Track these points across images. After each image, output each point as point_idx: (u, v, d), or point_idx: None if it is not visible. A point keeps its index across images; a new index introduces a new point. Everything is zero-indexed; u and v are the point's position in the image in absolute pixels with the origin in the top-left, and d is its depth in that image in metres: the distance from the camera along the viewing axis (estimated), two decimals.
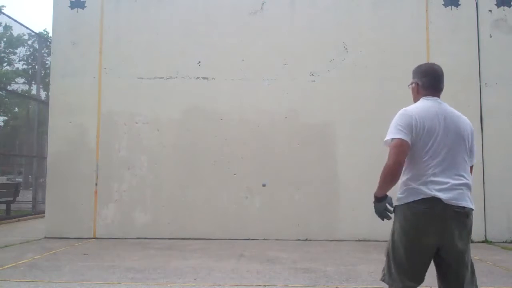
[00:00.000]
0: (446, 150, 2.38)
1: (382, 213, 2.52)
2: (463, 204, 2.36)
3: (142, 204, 7.87)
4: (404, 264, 2.38)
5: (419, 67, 2.62)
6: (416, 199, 2.33)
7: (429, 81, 2.54)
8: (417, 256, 2.36)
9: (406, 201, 2.36)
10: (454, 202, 2.31)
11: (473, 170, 2.57)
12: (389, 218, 2.50)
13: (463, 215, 2.39)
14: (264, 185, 2.23)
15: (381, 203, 2.50)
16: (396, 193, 2.50)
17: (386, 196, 2.50)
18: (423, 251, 2.35)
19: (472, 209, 2.46)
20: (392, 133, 2.43)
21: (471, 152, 2.51)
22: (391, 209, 2.49)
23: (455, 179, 2.36)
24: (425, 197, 2.30)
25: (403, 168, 2.41)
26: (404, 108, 2.55)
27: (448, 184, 2.32)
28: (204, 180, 7.84)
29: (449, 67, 7.84)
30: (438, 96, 2.55)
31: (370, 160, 7.78)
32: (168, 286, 4.54)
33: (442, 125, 2.40)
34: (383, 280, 2.51)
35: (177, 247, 6.94)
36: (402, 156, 2.37)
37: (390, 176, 2.40)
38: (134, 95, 8.00)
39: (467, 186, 2.43)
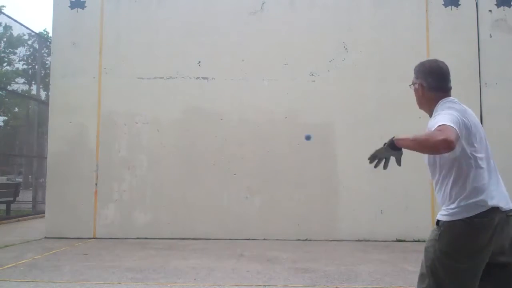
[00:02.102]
0: (489, 154, 2.20)
1: (382, 159, 2.27)
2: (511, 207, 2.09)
3: (142, 204, 7.87)
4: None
5: (422, 65, 2.31)
6: (478, 211, 1.98)
7: (435, 81, 2.23)
8: (476, 273, 2.02)
9: (465, 216, 1.99)
10: (506, 207, 2.05)
11: None
12: (383, 168, 2.30)
13: None
14: (308, 138, 2.07)
15: (392, 151, 2.25)
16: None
17: (401, 149, 2.25)
18: (482, 265, 2.02)
19: None
20: (443, 120, 2.00)
21: None
22: (387, 164, 2.28)
23: (499, 184, 2.14)
24: (485, 209, 1.99)
25: (451, 180, 2.10)
26: (450, 109, 2.15)
27: (498, 190, 2.09)
28: (204, 180, 7.84)
29: (449, 67, 7.92)
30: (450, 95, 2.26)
31: None
32: (168, 286, 4.54)
33: (480, 127, 2.18)
34: None
35: (177, 247, 6.94)
36: (456, 140, 1.92)
37: (429, 147, 2.05)
38: (134, 95, 8.00)
39: (503, 188, 2.17)
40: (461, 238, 1.99)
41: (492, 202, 2.00)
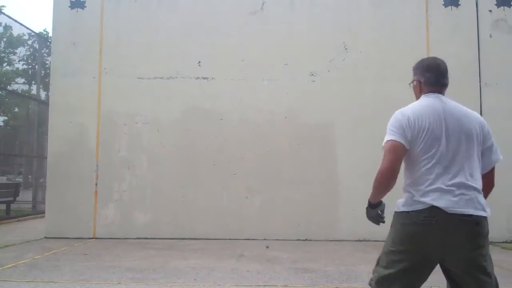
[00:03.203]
0: (450, 152, 2.12)
1: (374, 219, 2.38)
2: (469, 211, 2.05)
3: (142, 204, 7.87)
4: (396, 275, 2.14)
5: (421, 62, 2.38)
6: (416, 209, 2.09)
7: (432, 77, 2.32)
8: (412, 268, 2.12)
9: (405, 210, 2.13)
10: (458, 211, 2.03)
11: (494, 170, 2.37)
12: (382, 222, 2.38)
13: (471, 223, 2.06)
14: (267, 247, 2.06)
15: (373, 209, 2.33)
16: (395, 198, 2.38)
17: (381, 202, 2.30)
18: (420, 263, 2.11)
19: (483, 216, 2.11)
20: (386, 135, 2.22)
21: (486, 151, 2.26)
22: (384, 216, 2.34)
23: (459, 185, 2.08)
24: (424, 207, 2.06)
25: (405, 172, 2.22)
26: (400, 109, 2.32)
27: (451, 190, 2.06)
28: (204, 180, 7.84)
29: (449, 67, 7.90)
30: (442, 93, 2.34)
31: (370, 160, 7.77)
32: (168, 286, 4.54)
33: (443, 124, 2.15)
34: (370, 285, 2.29)
35: (177, 247, 6.94)
36: (395, 160, 2.15)
37: (382, 182, 2.17)
38: (134, 95, 8.00)
39: (476, 190, 2.12)
40: (399, 229, 2.16)
41: (433, 202, 2.04)
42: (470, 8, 8.03)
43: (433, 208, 2.04)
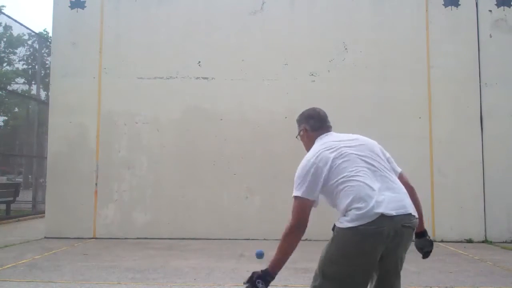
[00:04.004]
0: (367, 165, 2.20)
1: None
2: (408, 211, 2.12)
3: (142, 204, 7.87)
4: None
5: (301, 114, 2.61)
6: (363, 222, 2.07)
7: (316, 122, 2.51)
8: (362, 277, 2.16)
9: (353, 225, 2.10)
10: (400, 212, 2.08)
11: (407, 177, 2.38)
12: None
13: (410, 227, 2.16)
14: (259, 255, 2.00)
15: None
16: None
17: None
18: (367, 273, 2.17)
19: (415, 216, 2.20)
20: (294, 189, 2.29)
21: (390, 163, 2.33)
22: None
23: (390, 190, 2.13)
24: (373, 219, 2.05)
25: (337, 201, 2.24)
26: (305, 157, 2.35)
27: (388, 197, 2.10)
28: (204, 180, 7.84)
29: (449, 67, 7.96)
30: (330, 131, 2.49)
31: None
32: (168, 286, 4.54)
33: (348, 143, 2.33)
34: None
35: (177, 247, 6.94)
36: (303, 217, 2.32)
37: (294, 241, 2.34)
38: (134, 95, 8.00)
39: (404, 193, 2.18)
40: (347, 244, 2.13)
41: (377, 210, 2.05)
42: (470, 8, 8.03)
43: (380, 217, 2.06)
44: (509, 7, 8.02)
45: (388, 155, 2.36)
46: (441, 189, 7.69)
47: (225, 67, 7.99)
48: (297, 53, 8.00)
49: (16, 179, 20.67)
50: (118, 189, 7.89)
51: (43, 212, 8.49)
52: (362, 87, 7.88)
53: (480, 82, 7.91)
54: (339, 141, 2.34)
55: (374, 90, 7.88)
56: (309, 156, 2.30)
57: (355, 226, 2.07)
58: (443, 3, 8.04)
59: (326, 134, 2.45)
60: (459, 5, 8.02)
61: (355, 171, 2.15)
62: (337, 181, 2.17)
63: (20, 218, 10.73)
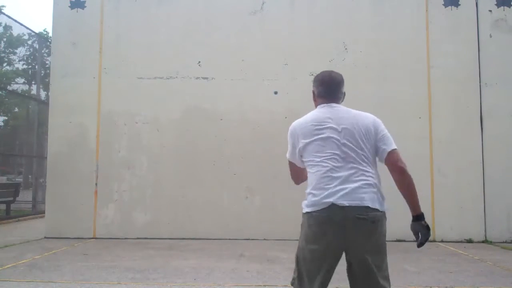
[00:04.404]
0: (336, 148, 2.22)
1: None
2: (364, 204, 2.14)
3: (142, 204, 7.87)
4: (312, 271, 2.21)
5: (317, 75, 2.51)
6: (317, 209, 2.18)
7: (324, 90, 2.45)
8: (319, 263, 2.20)
9: (308, 210, 2.22)
10: (353, 203, 2.13)
11: (397, 155, 2.30)
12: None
13: (366, 219, 2.14)
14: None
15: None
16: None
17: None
18: (323, 259, 2.20)
19: (377, 209, 2.18)
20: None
21: (381, 143, 2.28)
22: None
23: (352, 182, 2.16)
24: (324, 207, 2.16)
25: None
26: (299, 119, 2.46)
27: (348, 187, 2.15)
28: (204, 180, 7.84)
29: (449, 67, 7.96)
30: (336, 102, 2.45)
31: None
32: (168, 286, 4.54)
33: (328, 123, 2.29)
34: (292, 285, 2.33)
35: (177, 247, 6.94)
36: (292, 174, 2.51)
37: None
38: (134, 95, 8.00)
39: (370, 185, 2.18)
40: (305, 228, 2.25)
41: (331, 199, 2.14)
42: (470, 8, 8.03)
43: (330, 206, 2.15)
44: (509, 7, 8.02)
45: (382, 133, 2.30)
46: (441, 189, 7.69)
47: (225, 67, 7.99)
48: (297, 53, 8.00)
49: (16, 179, 20.66)
50: (118, 189, 7.89)
51: (43, 212, 8.49)
52: (362, 87, 7.87)
53: (480, 82, 7.91)
54: (332, 118, 2.32)
55: (374, 90, 7.88)
56: (297, 122, 2.42)
57: (310, 212, 2.20)
58: (443, 3, 8.04)
59: (328, 105, 2.41)
60: (459, 5, 8.02)
61: (325, 157, 2.22)
62: (308, 161, 2.28)
63: (20, 218, 10.73)
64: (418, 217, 2.30)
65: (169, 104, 7.98)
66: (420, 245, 2.29)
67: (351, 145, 2.23)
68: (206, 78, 8.03)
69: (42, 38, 15.39)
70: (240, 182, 7.81)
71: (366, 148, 2.25)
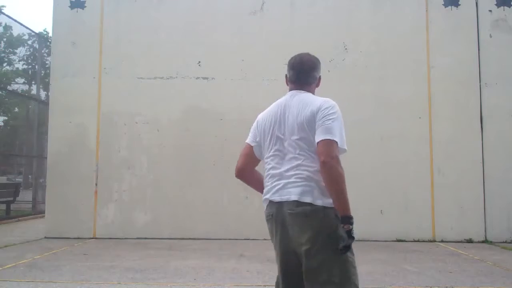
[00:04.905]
0: (279, 145, 2.14)
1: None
2: (291, 198, 2.02)
3: (142, 204, 7.87)
4: (279, 271, 2.15)
5: (290, 58, 2.34)
6: (264, 206, 2.19)
7: (293, 74, 2.27)
8: (281, 265, 2.13)
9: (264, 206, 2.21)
10: (284, 198, 2.04)
11: (326, 146, 2.00)
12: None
13: (299, 214, 2.00)
14: None
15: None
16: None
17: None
18: (281, 259, 2.11)
19: (309, 203, 2.00)
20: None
21: (316, 132, 2.04)
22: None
23: (286, 177, 2.07)
24: (265, 204, 2.16)
25: None
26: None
27: (281, 182, 2.08)
28: (204, 180, 7.83)
29: (449, 67, 7.96)
30: (306, 89, 2.25)
31: (370, 160, 7.79)
32: (168, 286, 4.54)
33: (278, 119, 2.17)
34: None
35: (177, 247, 6.94)
36: (240, 159, 2.36)
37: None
38: (134, 95, 8.00)
39: (302, 178, 2.04)
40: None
41: (267, 196, 2.14)
42: (470, 8, 8.03)
43: (271, 202, 2.13)
44: (509, 7, 8.02)
45: (321, 121, 2.04)
46: (441, 189, 7.69)
47: (225, 67, 7.99)
48: (297, 53, 7.98)
49: (16, 179, 20.68)
50: (118, 189, 7.88)
51: (43, 212, 8.49)
52: (362, 87, 7.88)
53: (480, 82, 7.91)
54: (285, 110, 2.17)
55: (374, 90, 7.88)
56: (263, 113, 2.32)
57: (265, 211, 2.19)
58: (443, 3, 8.04)
59: (291, 93, 2.25)
60: (459, 5, 8.01)
61: (270, 155, 2.18)
62: (265, 158, 2.24)
63: (20, 218, 10.72)
64: (342, 219, 2.04)
65: (169, 104, 7.98)
66: (340, 250, 1.97)
67: (287, 137, 2.12)
68: (206, 78, 8.03)
69: (42, 38, 15.38)
70: (240, 182, 7.78)
71: (307, 138, 2.06)
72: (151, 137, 7.98)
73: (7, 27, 18.34)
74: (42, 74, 13.86)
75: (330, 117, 2.05)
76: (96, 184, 7.87)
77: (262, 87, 7.96)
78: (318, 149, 2.00)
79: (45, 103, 12.12)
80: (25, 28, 14.50)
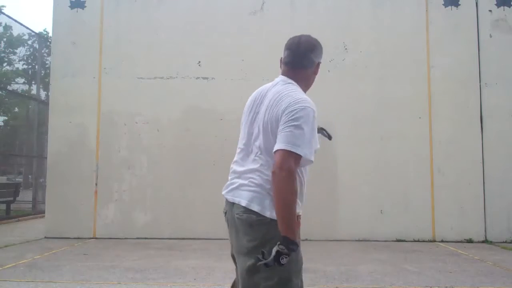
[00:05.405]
0: (247, 139, 1.99)
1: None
2: (243, 203, 1.88)
3: (142, 204, 7.87)
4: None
5: (288, 39, 2.12)
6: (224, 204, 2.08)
7: (288, 55, 2.03)
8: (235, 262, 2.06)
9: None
10: (236, 200, 1.92)
11: (280, 157, 1.77)
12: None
13: (244, 221, 1.88)
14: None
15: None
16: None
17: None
18: (235, 257, 2.06)
19: (256, 212, 1.84)
20: None
21: (278, 138, 1.82)
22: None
23: (244, 178, 1.93)
24: (225, 200, 2.05)
25: None
26: None
27: (237, 182, 1.95)
28: (204, 180, 7.83)
29: (449, 67, 7.95)
30: (296, 74, 2.01)
31: (370, 160, 7.79)
32: (168, 286, 4.54)
33: (253, 110, 2.00)
34: None
35: (177, 247, 6.94)
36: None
37: None
38: (134, 95, 8.00)
39: (256, 184, 1.88)
40: None
41: (223, 192, 2.04)
42: (470, 8, 8.03)
43: (226, 200, 2.03)
44: (509, 7, 8.02)
45: (284, 127, 1.81)
46: (441, 189, 7.69)
47: (225, 67, 7.99)
48: None
49: (16, 179, 20.67)
50: (118, 189, 7.88)
51: (43, 212, 8.48)
52: (362, 87, 7.88)
53: (480, 82, 7.91)
54: (262, 98, 2.01)
55: (374, 90, 7.88)
56: (251, 96, 2.17)
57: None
58: (443, 3, 8.04)
59: (276, 80, 2.04)
60: (459, 5, 8.01)
61: (239, 146, 2.08)
62: (238, 146, 2.15)
63: (20, 218, 10.72)
64: (282, 239, 1.74)
65: (169, 104, 7.98)
66: (254, 264, 1.80)
67: (259, 136, 1.92)
68: (206, 78, 8.03)
69: (42, 38, 15.38)
70: None
71: (270, 142, 1.86)
72: (151, 137, 7.98)
73: (7, 27, 18.33)
74: (42, 74, 13.86)
75: (293, 123, 1.79)
76: (96, 184, 7.87)
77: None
78: (274, 158, 1.79)
79: (45, 103, 12.11)
80: (25, 28, 14.49)
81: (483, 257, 6.23)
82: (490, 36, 7.97)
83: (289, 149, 1.75)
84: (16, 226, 9.72)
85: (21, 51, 21.31)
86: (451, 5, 8.02)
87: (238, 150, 2.06)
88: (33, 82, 17.70)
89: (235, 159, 2.06)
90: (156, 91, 8.00)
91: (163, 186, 7.89)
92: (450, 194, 7.68)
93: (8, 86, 18.02)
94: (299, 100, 1.85)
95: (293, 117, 1.80)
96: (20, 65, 21.51)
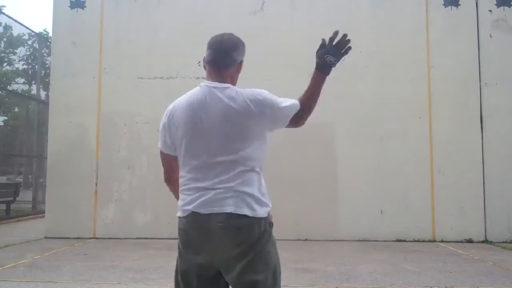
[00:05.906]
0: (203, 147, 1.94)
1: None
2: (224, 210, 1.81)
3: (142, 204, 7.87)
4: None
5: (211, 38, 2.12)
6: (181, 215, 1.91)
7: (210, 54, 2.05)
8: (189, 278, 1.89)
9: (178, 215, 1.95)
10: (211, 210, 1.82)
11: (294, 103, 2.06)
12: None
13: (230, 226, 1.81)
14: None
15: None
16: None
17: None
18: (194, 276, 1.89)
19: (244, 215, 1.84)
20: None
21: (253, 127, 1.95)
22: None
23: (213, 185, 1.87)
24: (185, 211, 1.89)
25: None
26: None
27: (205, 193, 1.86)
28: None
29: (449, 67, 7.95)
30: (223, 74, 2.04)
31: (370, 160, 7.79)
32: (168, 286, 4.53)
33: (197, 117, 1.98)
34: None
35: (177, 247, 6.92)
36: (164, 168, 2.21)
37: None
38: (134, 95, 8.00)
39: (228, 186, 1.88)
40: (178, 238, 1.96)
41: (190, 206, 1.87)
42: (470, 8, 8.03)
43: (193, 212, 1.90)
44: (509, 7, 8.01)
45: (266, 104, 1.99)
46: (441, 189, 7.69)
47: None
48: (297, 53, 7.99)
49: (16, 179, 20.66)
50: (118, 189, 7.88)
51: (43, 212, 8.48)
52: (362, 87, 7.88)
53: (480, 82, 7.90)
54: (199, 104, 1.98)
55: (374, 90, 7.88)
56: (171, 105, 2.12)
57: (179, 217, 1.93)
58: (443, 3, 8.04)
59: (209, 85, 2.01)
60: (459, 5, 8.01)
61: (187, 164, 1.98)
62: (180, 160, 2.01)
63: (20, 218, 10.72)
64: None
65: (169, 104, 7.92)
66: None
67: (208, 141, 1.94)
68: None
69: (42, 38, 15.38)
70: None
71: (225, 138, 1.94)
72: (151, 137, 7.96)
73: (7, 27, 18.31)
74: (42, 74, 13.86)
75: (274, 99, 2.16)
76: (96, 184, 7.87)
77: (262, 87, 7.93)
78: (291, 112, 2.12)
79: (45, 103, 12.11)
80: (25, 28, 14.50)
81: (483, 257, 6.23)
82: (490, 36, 7.97)
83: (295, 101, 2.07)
84: (16, 226, 9.72)
85: (21, 51, 21.31)
86: (451, 5, 8.02)
87: (189, 167, 1.98)
88: (33, 82, 17.71)
89: (190, 176, 1.95)
90: (156, 91, 7.99)
91: (163, 186, 7.82)
92: (450, 194, 7.68)
93: (8, 86, 18.02)
94: (256, 92, 2.11)
95: (268, 99, 2.07)
96: (20, 65, 21.50)
